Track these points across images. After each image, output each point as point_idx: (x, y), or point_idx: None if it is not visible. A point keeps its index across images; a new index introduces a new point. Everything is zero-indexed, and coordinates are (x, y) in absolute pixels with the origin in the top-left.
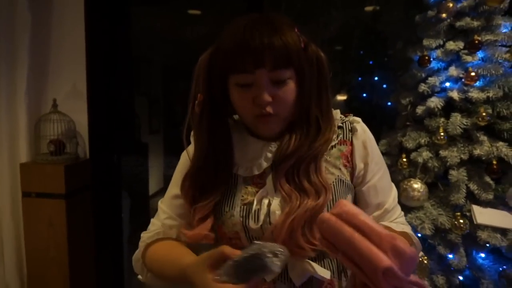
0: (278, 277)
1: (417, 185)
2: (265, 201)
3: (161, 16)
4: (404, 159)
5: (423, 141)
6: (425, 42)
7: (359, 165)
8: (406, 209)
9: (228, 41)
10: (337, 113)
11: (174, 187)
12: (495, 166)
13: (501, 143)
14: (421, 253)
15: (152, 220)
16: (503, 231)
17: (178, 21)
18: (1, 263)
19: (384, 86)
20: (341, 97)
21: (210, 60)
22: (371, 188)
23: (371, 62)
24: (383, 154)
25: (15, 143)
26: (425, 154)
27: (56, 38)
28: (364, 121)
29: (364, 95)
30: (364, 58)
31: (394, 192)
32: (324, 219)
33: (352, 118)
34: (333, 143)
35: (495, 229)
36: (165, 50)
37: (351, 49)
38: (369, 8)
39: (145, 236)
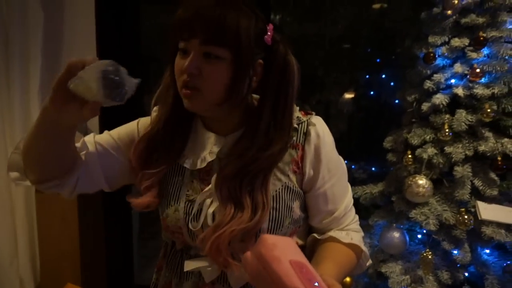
0: (217, 279)
1: (422, 181)
2: (208, 201)
3: (170, 14)
4: (410, 156)
5: (428, 137)
6: (431, 39)
7: (309, 171)
8: (411, 205)
9: (181, 5)
10: (294, 113)
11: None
12: (500, 162)
13: (506, 139)
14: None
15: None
16: (507, 227)
17: None
18: (15, 256)
19: (392, 83)
20: (349, 95)
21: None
22: (321, 195)
23: (378, 60)
24: (389, 151)
25: None
26: (430, 150)
27: (68, 37)
28: (372, 119)
29: (372, 93)
30: (371, 56)
31: (348, 198)
32: (247, 260)
33: (310, 119)
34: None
35: (500, 225)
36: None
37: (359, 47)
38: (376, 6)
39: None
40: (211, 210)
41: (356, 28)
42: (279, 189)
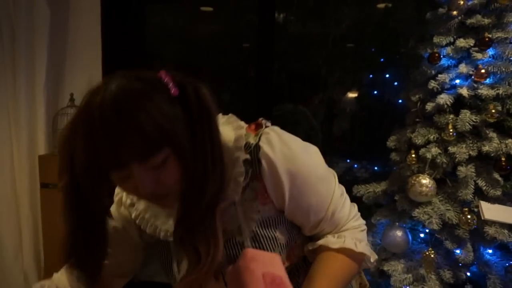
0: None
1: (425, 180)
2: None
3: (174, 13)
4: (413, 155)
5: (432, 137)
6: (436, 39)
7: (277, 198)
8: (414, 204)
9: (78, 145)
10: (240, 139)
11: None
12: (503, 163)
13: (510, 140)
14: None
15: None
16: (510, 227)
17: (190, 18)
18: (20, 251)
19: (395, 83)
20: (352, 95)
21: (70, 143)
22: (297, 212)
23: (382, 60)
24: (392, 150)
25: (34, 136)
26: (434, 150)
27: (73, 34)
28: (375, 118)
29: (375, 92)
30: (375, 56)
31: (333, 200)
32: (228, 273)
33: (259, 142)
34: (244, 184)
35: (503, 225)
36: (177, 46)
37: (363, 47)
38: (381, 5)
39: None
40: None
41: (360, 28)
42: (255, 228)
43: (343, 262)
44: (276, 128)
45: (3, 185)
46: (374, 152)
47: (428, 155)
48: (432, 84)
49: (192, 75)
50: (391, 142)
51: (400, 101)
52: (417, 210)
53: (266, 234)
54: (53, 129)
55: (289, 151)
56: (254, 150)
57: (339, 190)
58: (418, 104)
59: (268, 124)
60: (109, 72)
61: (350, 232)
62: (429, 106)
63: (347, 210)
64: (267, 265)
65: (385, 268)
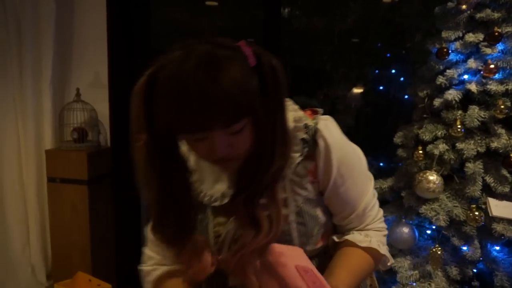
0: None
1: (432, 177)
2: (231, 231)
3: (179, 7)
4: (420, 151)
5: (439, 133)
6: (444, 34)
7: (323, 180)
8: (421, 200)
9: (167, 107)
10: (300, 120)
11: None
12: None
13: None
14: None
15: (144, 250)
16: None
17: (195, 13)
18: (27, 245)
19: (402, 79)
20: (357, 90)
21: (149, 96)
22: (336, 199)
23: (388, 55)
24: (399, 146)
25: (41, 130)
26: (442, 146)
27: (79, 29)
28: (380, 114)
29: (381, 88)
30: (381, 51)
31: (367, 197)
32: (256, 269)
33: (316, 125)
34: (298, 160)
35: (511, 222)
36: (182, 41)
37: (369, 42)
38: (387, 0)
39: (144, 271)
40: (232, 236)
41: (366, 23)
42: (301, 204)
43: (365, 259)
44: (331, 118)
45: (11, 179)
46: (379, 148)
47: (436, 152)
48: (440, 79)
49: None
50: (398, 138)
51: (406, 97)
52: (424, 206)
53: (309, 212)
54: (59, 124)
55: (342, 141)
56: (312, 131)
57: (373, 191)
58: (426, 99)
59: (322, 111)
60: (115, 67)
61: (375, 233)
62: (437, 102)
63: (375, 211)
64: (295, 258)
65: (392, 265)
